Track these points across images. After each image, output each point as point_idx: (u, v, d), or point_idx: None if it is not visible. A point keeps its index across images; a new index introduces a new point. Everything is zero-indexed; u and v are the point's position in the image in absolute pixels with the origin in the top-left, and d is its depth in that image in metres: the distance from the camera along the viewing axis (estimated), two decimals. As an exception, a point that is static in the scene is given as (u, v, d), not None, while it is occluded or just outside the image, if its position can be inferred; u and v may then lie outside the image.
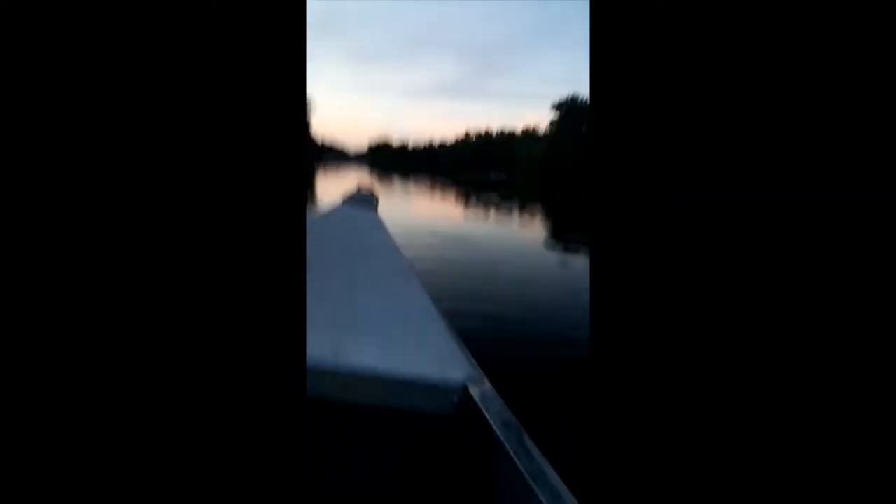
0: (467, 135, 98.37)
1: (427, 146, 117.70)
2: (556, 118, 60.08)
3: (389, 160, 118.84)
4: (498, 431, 0.60)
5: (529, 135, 74.46)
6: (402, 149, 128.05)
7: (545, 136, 65.82)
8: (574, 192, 21.58)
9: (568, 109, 58.21)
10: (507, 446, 0.57)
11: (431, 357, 0.72)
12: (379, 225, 1.72)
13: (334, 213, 1.89)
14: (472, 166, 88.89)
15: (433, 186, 22.66)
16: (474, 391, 0.66)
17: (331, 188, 13.24)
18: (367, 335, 0.75)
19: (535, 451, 0.58)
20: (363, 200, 2.11)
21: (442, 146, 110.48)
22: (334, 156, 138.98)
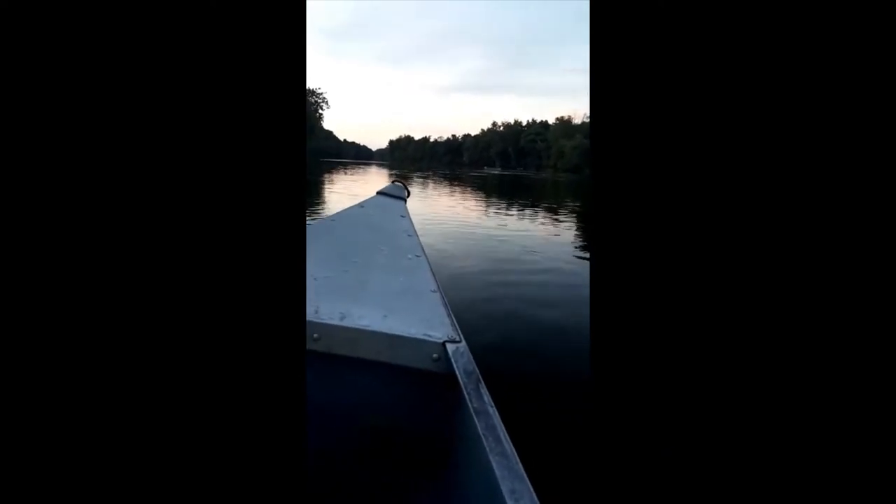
0: (494, 124, 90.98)
1: (450, 138, 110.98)
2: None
3: (410, 155, 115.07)
4: (462, 384, 0.70)
5: (564, 125, 66.74)
6: (424, 141, 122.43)
7: (583, 124, 58.42)
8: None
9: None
10: (468, 397, 0.66)
11: (420, 321, 0.86)
12: (405, 213, 2.02)
13: (369, 201, 2.20)
14: (500, 160, 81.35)
15: (452, 186, 15.94)
16: (450, 348, 0.78)
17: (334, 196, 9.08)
18: (371, 303, 0.91)
19: (489, 403, 0.65)
20: (396, 192, 2.45)
21: (466, 137, 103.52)
22: (357, 154, 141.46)
